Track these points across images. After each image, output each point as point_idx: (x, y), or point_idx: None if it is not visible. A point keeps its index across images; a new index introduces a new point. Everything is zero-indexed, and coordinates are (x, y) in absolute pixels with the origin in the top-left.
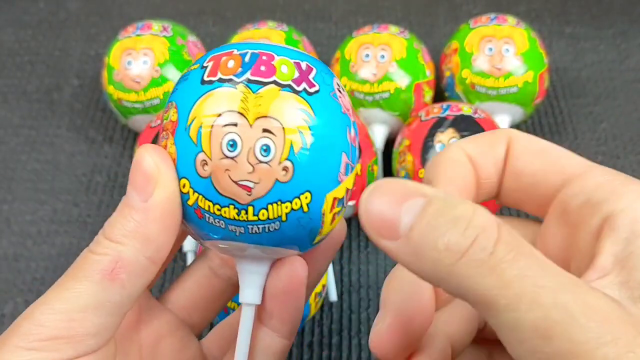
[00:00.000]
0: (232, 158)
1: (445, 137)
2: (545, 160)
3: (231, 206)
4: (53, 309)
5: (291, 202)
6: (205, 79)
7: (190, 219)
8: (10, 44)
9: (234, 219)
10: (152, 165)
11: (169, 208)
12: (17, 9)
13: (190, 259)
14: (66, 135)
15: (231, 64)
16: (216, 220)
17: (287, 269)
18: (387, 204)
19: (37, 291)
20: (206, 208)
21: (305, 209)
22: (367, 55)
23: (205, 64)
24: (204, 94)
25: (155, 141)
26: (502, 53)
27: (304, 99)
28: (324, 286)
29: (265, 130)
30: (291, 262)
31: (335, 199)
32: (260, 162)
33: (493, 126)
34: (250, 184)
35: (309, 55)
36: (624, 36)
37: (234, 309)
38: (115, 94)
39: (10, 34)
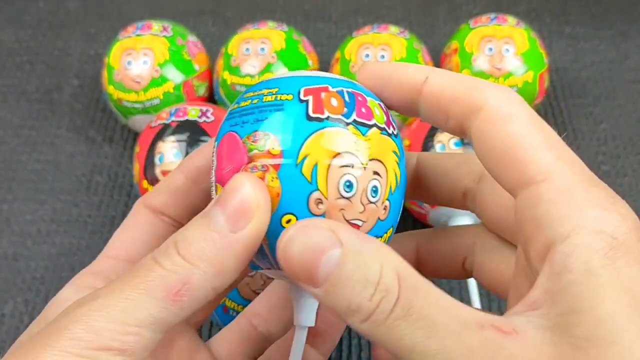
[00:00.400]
0: (347, 198)
1: (445, 137)
2: (508, 158)
3: None
4: (110, 317)
5: (381, 238)
6: (312, 115)
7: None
8: (10, 43)
9: None
10: (252, 197)
11: (253, 245)
12: (17, 8)
13: None
14: (66, 135)
15: (334, 102)
16: None
17: None
18: (306, 253)
19: (37, 290)
20: None
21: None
22: (367, 56)
23: (302, 97)
24: (315, 132)
25: (155, 141)
26: (502, 53)
27: (395, 142)
28: None
29: (375, 173)
30: None
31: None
32: (370, 202)
33: None
34: (360, 223)
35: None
36: (624, 36)
37: (234, 309)
38: (115, 94)
39: (9, 34)
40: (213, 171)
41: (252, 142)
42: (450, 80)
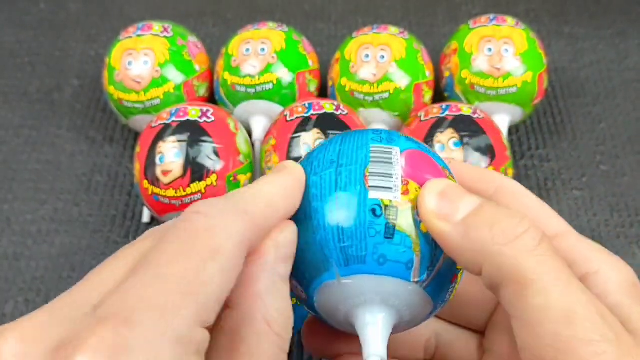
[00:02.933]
0: None
1: (445, 137)
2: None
3: None
4: None
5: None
6: None
7: None
8: (10, 44)
9: None
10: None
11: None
12: (18, 9)
13: None
14: (67, 135)
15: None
16: None
17: None
18: (452, 193)
19: (38, 290)
20: None
21: None
22: (367, 56)
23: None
24: None
25: (155, 141)
26: (501, 53)
27: None
28: None
29: None
30: None
31: None
32: None
33: (492, 126)
34: None
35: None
36: (623, 36)
37: None
38: (116, 94)
39: (10, 35)
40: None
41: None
42: None
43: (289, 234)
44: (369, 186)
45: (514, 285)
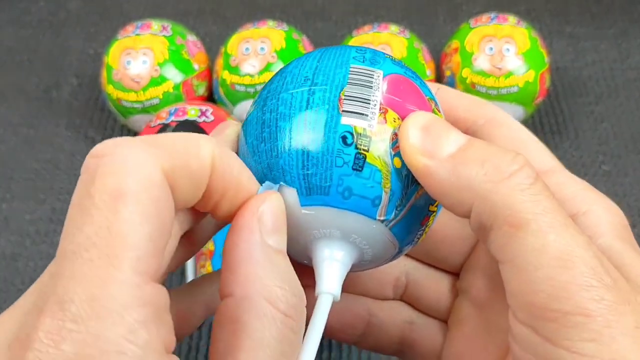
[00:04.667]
0: None
1: None
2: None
3: None
4: None
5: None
6: None
7: None
8: (9, 42)
9: None
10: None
11: None
12: (17, 8)
13: (189, 267)
14: (65, 134)
15: None
16: None
17: None
18: (437, 128)
19: None
20: None
21: None
22: None
23: None
24: None
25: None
26: (502, 52)
27: None
28: None
29: None
30: None
31: None
32: None
33: None
34: None
35: None
36: (625, 35)
37: None
38: (115, 94)
39: (10, 33)
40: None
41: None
42: None
43: (272, 203)
44: (343, 110)
45: (507, 227)
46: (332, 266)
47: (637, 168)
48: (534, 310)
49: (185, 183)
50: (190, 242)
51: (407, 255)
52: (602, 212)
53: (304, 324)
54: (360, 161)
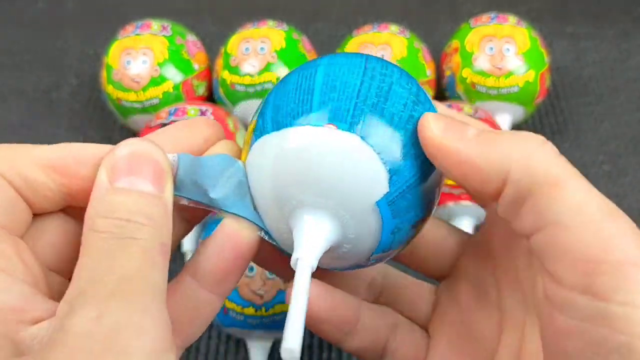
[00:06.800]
0: None
1: None
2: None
3: None
4: None
5: None
6: None
7: None
8: (8, 43)
9: None
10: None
11: None
12: (16, 8)
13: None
14: (65, 134)
15: None
16: None
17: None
18: (452, 116)
19: None
20: None
21: None
22: None
23: None
24: None
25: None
26: (502, 52)
27: None
28: None
29: None
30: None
31: None
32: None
33: (493, 126)
34: None
35: None
36: (626, 35)
37: (234, 310)
38: (114, 94)
39: (9, 34)
40: None
41: None
42: None
43: (122, 150)
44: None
45: (547, 187)
46: (315, 233)
47: (637, 168)
48: (587, 266)
49: (28, 187)
50: (187, 218)
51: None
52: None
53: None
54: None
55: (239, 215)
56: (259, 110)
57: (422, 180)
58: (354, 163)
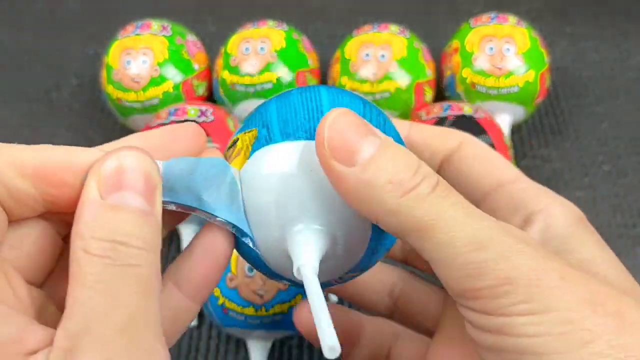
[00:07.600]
0: None
1: None
2: (483, 166)
3: None
4: None
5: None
6: None
7: None
8: (8, 43)
9: None
10: None
11: None
12: (16, 8)
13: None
14: (65, 135)
15: None
16: None
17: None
18: (352, 130)
19: None
20: None
21: None
22: (368, 55)
23: None
24: None
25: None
26: (502, 52)
27: None
28: None
29: None
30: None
31: None
32: None
33: (494, 126)
34: None
35: None
36: (626, 36)
37: (233, 310)
38: (115, 94)
39: (9, 34)
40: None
41: None
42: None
43: (113, 162)
44: None
45: (415, 233)
46: (308, 240)
47: (638, 168)
48: (466, 294)
49: (9, 195)
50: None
51: (404, 264)
52: (558, 207)
53: (145, 258)
54: None
55: (227, 221)
56: (257, 121)
57: None
58: None
